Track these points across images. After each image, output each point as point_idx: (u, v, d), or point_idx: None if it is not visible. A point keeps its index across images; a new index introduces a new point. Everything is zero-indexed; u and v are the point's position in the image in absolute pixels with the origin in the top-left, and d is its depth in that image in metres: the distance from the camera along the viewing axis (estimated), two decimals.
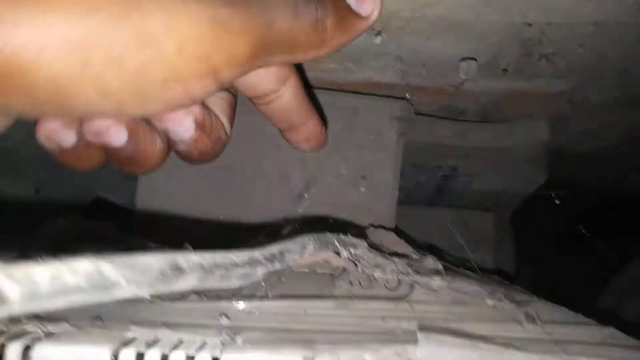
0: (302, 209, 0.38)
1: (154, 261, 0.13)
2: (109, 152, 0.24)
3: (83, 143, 0.23)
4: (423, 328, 0.22)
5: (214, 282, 0.16)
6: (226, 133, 0.27)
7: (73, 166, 0.25)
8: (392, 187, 0.45)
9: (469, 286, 0.27)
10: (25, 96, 0.18)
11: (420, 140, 0.55)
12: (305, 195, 0.41)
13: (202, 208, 0.45)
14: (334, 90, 0.48)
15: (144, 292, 0.13)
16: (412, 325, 0.24)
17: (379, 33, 0.38)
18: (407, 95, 0.47)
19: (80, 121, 0.23)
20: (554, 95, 0.50)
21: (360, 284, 0.32)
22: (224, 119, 0.27)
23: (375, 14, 0.25)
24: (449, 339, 0.20)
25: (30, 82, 0.17)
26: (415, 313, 0.25)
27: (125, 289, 0.12)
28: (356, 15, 0.25)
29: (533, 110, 0.54)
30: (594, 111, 0.54)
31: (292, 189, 0.44)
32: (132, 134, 0.23)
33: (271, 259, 0.19)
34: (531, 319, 0.24)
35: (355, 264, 0.28)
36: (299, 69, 0.30)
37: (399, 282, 0.31)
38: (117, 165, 0.26)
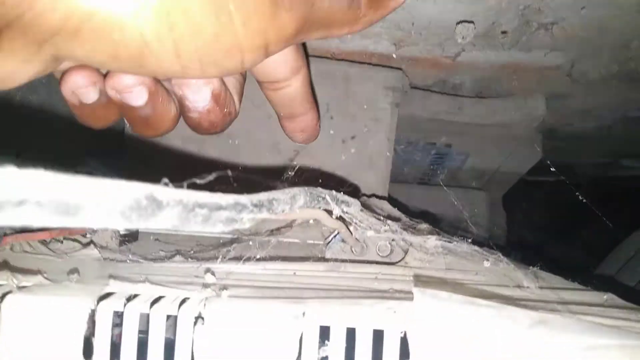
0: (292, 172, 0.37)
1: (126, 188, 0.12)
2: (125, 112, 0.25)
3: (103, 101, 0.24)
4: (418, 285, 0.21)
5: (195, 224, 0.15)
6: (236, 109, 0.29)
7: (88, 122, 0.26)
8: (385, 156, 0.44)
9: (465, 248, 0.26)
10: (111, 50, 0.19)
11: (414, 116, 0.54)
12: (295, 163, 0.40)
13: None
14: (328, 58, 0.47)
15: (117, 222, 0.12)
16: (408, 286, 0.23)
17: None
18: (402, 67, 0.46)
19: (103, 79, 0.23)
20: (551, 69, 0.49)
21: (352, 250, 0.31)
22: (236, 97, 0.28)
23: None
24: (446, 295, 0.19)
25: (120, 39, 0.19)
26: (409, 273, 0.24)
27: (93, 214, 0.11)
28: None
29: (529, 86, 0.53)
30: (591, 88, 0.53)
31: (283, 156, 0.43)
32: (151, 97, 0.24)
33: (259, 205, 0.18)
34: (531, 280, 0.23)
35: (347, 226, 0.27)
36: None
37: (392, 249, 0.30)
38: (130, 125, 0.27)
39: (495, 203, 0.68)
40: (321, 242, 0.33)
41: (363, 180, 0.43)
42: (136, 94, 0.24)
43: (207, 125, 0.27)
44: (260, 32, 0.21)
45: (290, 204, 0.20)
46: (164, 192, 0.14)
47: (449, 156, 0.61)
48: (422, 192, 0.65)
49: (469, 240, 0.27)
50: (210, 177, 0.17)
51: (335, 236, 0.31)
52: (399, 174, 0.65)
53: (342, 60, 0.48)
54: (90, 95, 0.24)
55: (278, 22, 0.22)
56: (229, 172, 0.19)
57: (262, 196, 0.19)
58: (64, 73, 0.23)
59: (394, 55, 0.47)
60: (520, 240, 0.72)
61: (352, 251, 0.31)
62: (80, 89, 0.24)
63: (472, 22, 0.39)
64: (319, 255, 0.30)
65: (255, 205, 0.18)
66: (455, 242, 0.26)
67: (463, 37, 0.38)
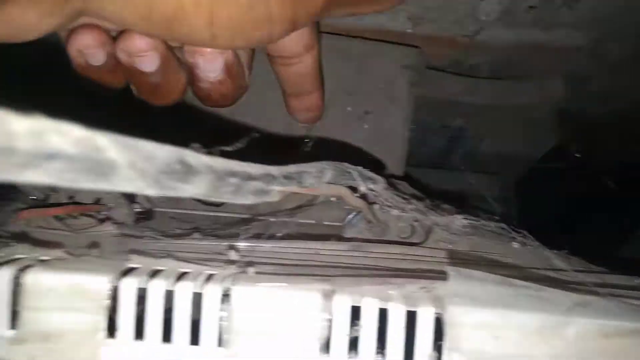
0: (307, 149, 0.36)
1: (160, 150, 0.11)
2: (133, 77, 0.24)
3: (110, 64, 0.23)
4: (450, 264, 0.20)
5: (226, 194, 0.14)
6: (246, 83, 0.28)
7: (92, 84, 0.25)
8: (401, 135, 0.43)
9: (492, 227, 0.25)
10: (145, 10, 0.19)
11: (428, 97, 0.53)
12: (307, 141, 0.39)
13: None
14: (344, 35, 0.46)
15: (149, 187, 0.11)
16: (436, 266, 0.22)
17: None
18: (419, 45, 0.45)
19: (112, 42, 0.23)
20: (572, 50, 0.47)
21: (372, 231, 0.30)
22: (247, 70, 0.28)
23: None
24: (481, 274, 0.19)
25: (155, 5, 0.19)
26: (437, 254, 0.24)
27: (126, 176, 0.10)
28: None
29: (548, 68, 0.52)
30: (614, 70, 0.52)
31: (293, 129, 0.42)
32: (163, 63, 0.23)
33: (288, 177, 0.17)
34: (563, 261, 0.22)
35: (370, 204, 0.26)
36: None
37: (413, 229, 0.29)
38: (137, 92, 0.26)
39: (508, 188, 0.67)
40: (339, 223, 0.32)
41: (380, 163, 0.42)
42: (148, 59, 0.23)
43: (217, 97, 0.27)
44: (291, 5, 0.21)
45: (318, 177, 0.19)
46: (197, 157, 0.13)
47: (462, 139, 0.60)
48: (435, 176, 0.64)
49: (496, 219, 0.26)
50: (240, 144, 0.16)
51: (355, 215, 0.30)
52: (412, 156, 0.64)
53: (357, 37, 0.47)
54: (98, 56, 0.23)
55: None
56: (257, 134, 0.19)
57: (292, 168, 0.18)
58: (71, 31, 0.22)
59: (410, 32, 0.46)
60: (533, 226, 0.71)
61: (372, 232, 0.30)
62: (89, 49, 0.23)
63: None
64: (340, 233, 0.30)
65: (285, 177, 0.17)
66: (482, 222, 0.25)
67: (487, 14, 0.37)
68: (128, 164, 0.10)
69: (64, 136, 0.09)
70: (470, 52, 0.50)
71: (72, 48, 0.23)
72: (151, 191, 0.12)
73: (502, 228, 0.25)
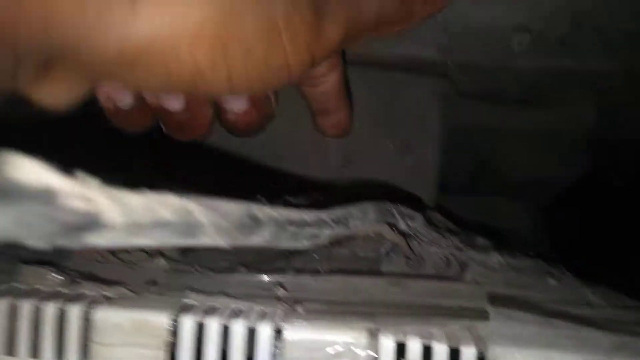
0: (342, 180, 0.37)
1: (235, 208, 0.13)
2: (161, 116, 0.25)
3: (138, 106, 0.24)
4: (491, 303, 0.21)
5: (285, 240, 0.15)
6: (272, 109, 0.28)
7: (124, 126, 0.26)
8: (434, 165, 0.44)
9: (526, 264, 0.26)
10: (164, 78, 0.19)
11: (457, 122, 0.54)
12: (345, 168, 0.40)
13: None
14: (374, 65, 0.47)
15: (225, 241, 0.12)
16: (475, 303, 0.23)
17: None
18: (449, 73, 0.46)
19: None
20: (605, 75, 0.47)
21: (408, 264, 0.31)
22: (272, 98, 0.28)
23: None
24: (521, 314, 0.19)
25: (175, 68, 0.19)
26: (475, 290, 0.24)
27: (210, 234, 0.11)
28: None
29: (580, 93, 0.52)
30: None
31: (330, 160, 0.43)
32: (188, 101, 0.24)
33: (337, 221, 0.18)
34: (600, 297, 0.22)
35: (407, 240, 0.27)
36: None
37: (448, 262, 0.30)
38: (166, 129, 0.27)
39: (540, 215, 0.67)
40: (374, 255, 0.33)
41: (411, 190, 0.42)
42: (174, 99, 0.24)
43: (243, 127, 0.27)
44: (307, 47, 0.21)
45: (363, 219, 0.20)
46: (262, 209, 0.14)
47: (492, 165, 0.60)
48: (465, 202, 0.64)
49: (531, 254, 0.27)
50: (304, 200, 0.18)
51: (391, 250, 0.31)
52: (441, 182, 0.64)
53: (388, 66, 0.48)
54: (125, 100, 0.24)
55: (323, 35, 0.22)
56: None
57: (339, 212, 0.19)
58: None
59: (441, 61, 0.47)
60: (567, 256, 0.70)
61: (409, 265, 0.31)
62: (116, 94, 0.24)
63: (527, 29, 0.38)
64: (376, 267, 0.31)
65: (334, 222, 0.18)
66: (517, 258, 0.26)
67: (519, 44, 0.38)
68: (211, 223, 0.12)
69: (167, 207, 0.10)
70: (501, 79, 0.50)
71: (100, 94, 0.24)
72: (225, 244, 0.13)
73: (538, 263, 0.25)
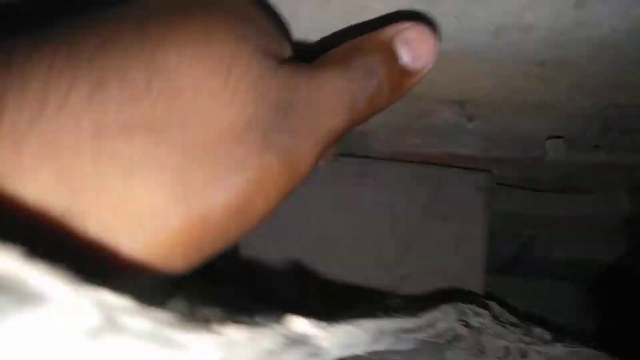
0: (399, 278, 0.40)
1: (362, 330, 0.16)
2: None
3: None
4: None
5: (399, 344, 0.18)
6: None
7: None
8: (481, 257, 0.46)
9: (586, 353, 0.28)
10: (198, 252, 0.19)
11: (498, 209, 0.57)
12: (401, 267, 0.43)
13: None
14: (417, 162, 0.51)
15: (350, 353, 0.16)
16: None
17: (471, 119, 0.42)
18: (491, 169, 0.50)
19: None
20: (633, 167, 0.51)
21: (471, 351, 0.33)
22: None
23: (429, 67, 0.23)
24: None
25: (209, 243, 0.19)
26: None
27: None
28: (409, 73, 0.23)
29: (613, 181, 0.55)
30: None
31: (385, 258, 0.46)
32: None
33: (422, 327, 0.21)
34: None
35: (477, 335, 0.29)
36: None
37: (507, 351, 0.32)
38: None
39: (582, 296, 0.67)
40: (437, 342, 0.35)
41: (463, 282, 0.45)
42: None
43: None
44: (280, 194, 0.21)
45: (444, 319, 0.23)
46: (389, 323, 0.17)
47: (533, 248, 0.62)
48: (503, 283, 0.66)
49: (591, 345, 0.29)
50: (399, 304, 0.21)
51: (454, 339, 0.33)
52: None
53: (431, 163, 0.52)
54: None
55: (296, 175, 0.21)
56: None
57: (423, 320, 0.22)
58: None
59: (481, 156, 0.51)
60: (609, 332, 0.70)
61: (471, 352, 0.33)
62: None
63: (561, 136, 0.42)
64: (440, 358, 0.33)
65: (420, 328, 0.21)
66: (579, 348, 0.28)
67: (554, 151, 0.42)
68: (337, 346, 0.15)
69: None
70: (538, 171, 0.54)
71: None
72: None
73: (596, 354, 0.28)
